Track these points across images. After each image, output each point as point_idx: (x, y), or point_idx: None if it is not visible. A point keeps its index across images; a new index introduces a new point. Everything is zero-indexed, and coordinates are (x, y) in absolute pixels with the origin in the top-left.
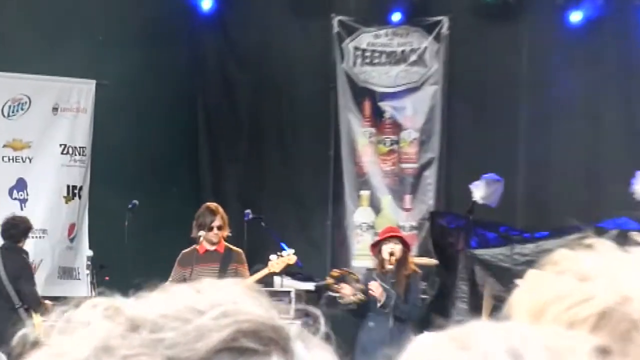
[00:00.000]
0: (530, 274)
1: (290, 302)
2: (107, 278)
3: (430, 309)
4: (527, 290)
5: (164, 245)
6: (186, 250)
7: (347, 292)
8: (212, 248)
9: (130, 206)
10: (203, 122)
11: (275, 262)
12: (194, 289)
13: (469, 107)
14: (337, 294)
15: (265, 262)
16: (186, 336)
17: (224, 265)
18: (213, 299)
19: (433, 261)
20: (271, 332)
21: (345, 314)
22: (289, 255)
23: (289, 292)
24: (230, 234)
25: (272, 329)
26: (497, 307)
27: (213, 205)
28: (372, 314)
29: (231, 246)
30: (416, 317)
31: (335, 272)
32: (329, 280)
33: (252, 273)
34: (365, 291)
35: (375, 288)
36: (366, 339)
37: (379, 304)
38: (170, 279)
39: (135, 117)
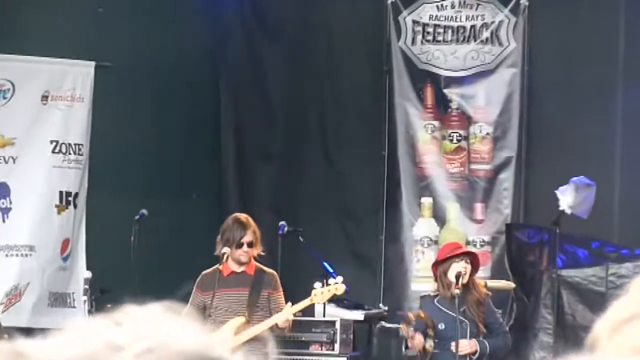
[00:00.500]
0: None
1: (334, 334)
2: (109, 306)
3: None
4: (610, 319)
5: (180, 265)
6: (207, 271)
7: (417, 344)
8: (240, 269)
9: (137, 217)
10: (228, 114)
11: (320, 292)
12: (113, 320)
13: (553, 95)
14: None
15: (303, 285)
16: None
17: (254, 290)
18: (135, 332)
19: (510, 284)
20: None
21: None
22: (336, 285)
23: (333, 322)
24: (262, 253)
25: None
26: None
27: (243, 216)
28: (438, 352)
29: (263, 267)
30: (509, 344)
31: (413, 317)
32: (404, 327)
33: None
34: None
35: (468, 348)
36: None
37: (474, 358)
38: (188, 306)
39: (144, 108)
